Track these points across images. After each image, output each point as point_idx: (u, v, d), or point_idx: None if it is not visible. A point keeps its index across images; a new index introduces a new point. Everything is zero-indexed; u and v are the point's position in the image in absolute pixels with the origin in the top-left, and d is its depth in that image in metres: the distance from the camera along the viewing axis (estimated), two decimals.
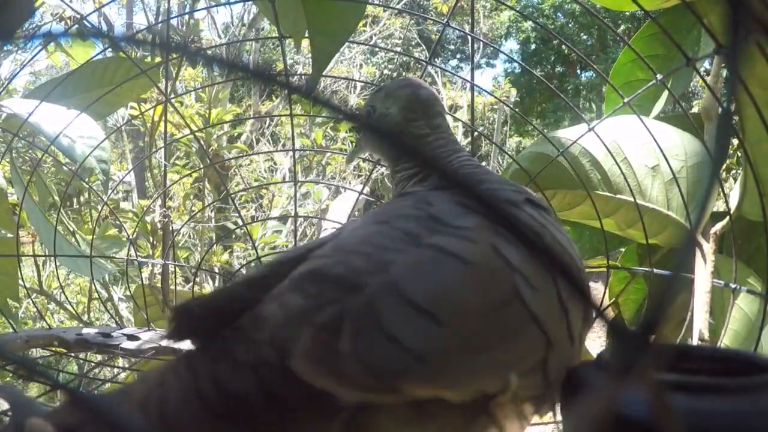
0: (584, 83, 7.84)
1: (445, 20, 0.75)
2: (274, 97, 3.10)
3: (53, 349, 0.77)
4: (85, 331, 0.78)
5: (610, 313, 0.85)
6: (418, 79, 0.54)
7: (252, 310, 0.33)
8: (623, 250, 0.87)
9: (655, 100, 0.82)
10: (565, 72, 8.37)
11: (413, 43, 4.83)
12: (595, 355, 0.35)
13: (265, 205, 2.33)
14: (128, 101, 1.31)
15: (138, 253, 1.17)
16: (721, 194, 0.71)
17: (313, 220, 1.98)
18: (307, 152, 2.30)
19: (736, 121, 0.63)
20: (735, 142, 0.90)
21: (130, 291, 1.19)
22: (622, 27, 5.73)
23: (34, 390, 1.79)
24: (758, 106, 0.52)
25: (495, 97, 3.03)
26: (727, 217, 0.69)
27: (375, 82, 4.89)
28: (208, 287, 1.92)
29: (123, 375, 0.99)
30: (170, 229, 1.41)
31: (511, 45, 8.61)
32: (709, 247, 0.70)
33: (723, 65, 0.73)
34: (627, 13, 4.57)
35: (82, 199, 1.98)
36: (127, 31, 2.21)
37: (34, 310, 1.74)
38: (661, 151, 0.69)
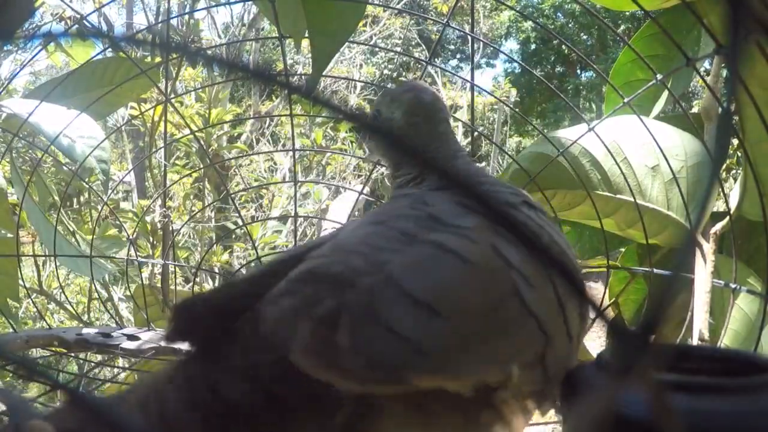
0: (584, 83, 7.84)
1: (445, 20, 0.75)
2: (274, 97, 3.10)
3: (53, 349, 0.77)
4: (85, 331, 0.78)
5: (610, 313, 0.85)
6: (422, 83, 0.53)
7: (251, 311, 0.33)
8: (623, 250, 0.87)
9: (655, 100, 0.82)
10: (565, 72, 8.37)
11: (413, 43, 4.83)
12: (595, 355, 0.35)
13: (265, 205, 2.33)
14: (128, 101, 1.31)
15: (138, 253, 1.17)
16: (721, 194, 0.71)
17: (313, 220, 1.98)
18: (307, 152, 2.30)
19: (736, 121, 0.63)
20: (735, 142, 0.90)
21: (130, 291, 1.18)
22: (622, 27, 5.73)
23: (34, 390, 1.79)
24: (758, 106, 0.52)
25: (495, 97, 3.03)
26: (727, 217, 0.69)
27: (375, 82, 4.90)
28: (208, 287, 1.92)
29: (123, 375, 0.99)
30: (170, 229, 1.41)
31: (511, 45, 8.62)
32: (709, 247, 0.70)
33: (723, 65, 0.73)
34: (627, 13, 4.57)
35: (82, 199, 1.98)
36: (127, 31, 2.21)
37: (34, 310, 1.74)
38: (661, 151, 0.69)
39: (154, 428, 0.29)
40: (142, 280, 1.07)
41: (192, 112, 1.95)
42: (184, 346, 0.34)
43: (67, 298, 1.86)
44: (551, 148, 0.74)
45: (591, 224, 0.83)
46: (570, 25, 7.95)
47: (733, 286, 0.64)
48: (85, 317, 1.17)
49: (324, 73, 0.70)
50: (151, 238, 1.47)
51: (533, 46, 8.46)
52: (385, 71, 5.55)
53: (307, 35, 0.66)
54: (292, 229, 1.90)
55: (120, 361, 0.94)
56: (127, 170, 2.36)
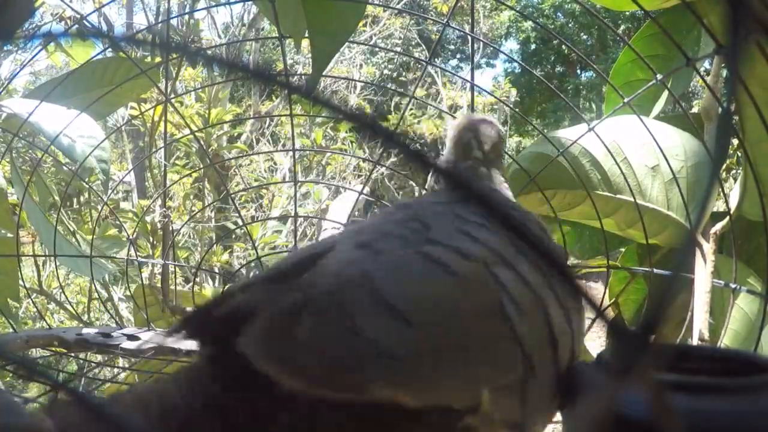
0: (584, 83, 7.85)
1: (445, 20, 0.75)
2: (274, 97, 3.10)
3: (53, 349, 0.77)
4: (85, 331, 0.78)
5: (610, 313, 0.85)
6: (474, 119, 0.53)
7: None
8: (623, 250, 0.87)
9: (655, 100, 0.82)
10: (565, 72, 8.37)
11: (413, 43, 4.83)
12: (595, 355, 0.35)
13: (265, 205, 2.33)
14: (128, 101, 1.31)
15: (138, 253, 1.17)
16: (721, 194, 0.71)
17: (313, 220, 1.98)
18: (307, 152, 2.30)
19: (736, 121, 0.63)
20: (735, 142, 0.90)
21: (130, 291, 1.19)
22: (622, 27, 5.73)
23: (34, 390, 1.79)
24: (758, 106, 0.52)
25: (495, 97, 3.03)
26: (727, 217, 0.69)
27: (375, 82, 4.90)
28: (208, 287, 1.92)
29: (123, 375, 0.99)
30: (170, 229, 1.41)
31: (511, 45, 8.62)
32: (709, 247, 0.70)
33: (723, 65, 0.73)
34: (627, 13, 4.57)
35: (82, 199, 1.98)
36: (127, 31, 2.21)
37: (34, 310, 1.74)
38: (661, 151, 0.69)
39: (154, 428, 0.29)
40: (142, 280, 1.07)
41: (192, 112, 1.95)
42: (185, 345, 0.33)
43: (67, 298, 1.87)
44: (551, 148, 0.74)
45: (591, 224, 0.83)
46: (570, 25, 7.96)
47: (733, 286, 0.64)
48: (85, 317, 1.17)
49: (324, 73, 0.70)
50: (151, 238, 1.46)
51: (533, 46, 8.46)
52: (385, 71, 5.55)
53: (307, 35, 0.66)
54: (292, 229, 1.90)
55: (120, 361, 0.94)
56: (127, 170, 2.37)
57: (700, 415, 0.26)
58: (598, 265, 0.83)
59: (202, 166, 1.94)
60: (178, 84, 2.19)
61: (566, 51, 7.92)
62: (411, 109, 3.39)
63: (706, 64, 0.90)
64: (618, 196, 0.76)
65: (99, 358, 1.01)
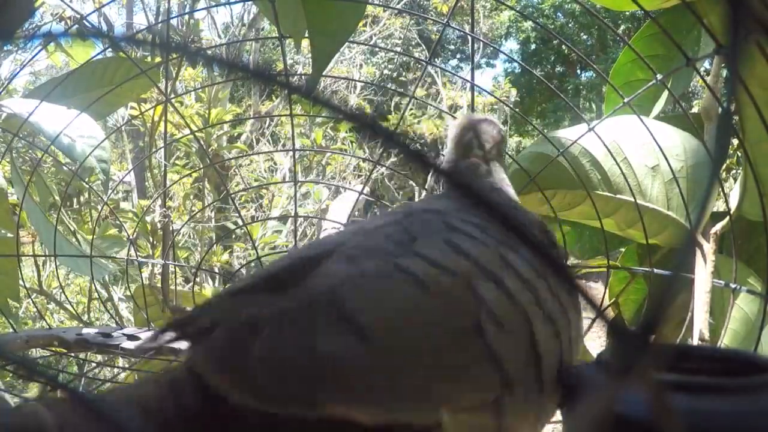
0: (584, 83, 7.85)
1: (445, 20, 0.75)
2: (274, 97, 3.10)
3: (53, 349, 0.77)
4: (85, 331, 0.78)
5: (610, 313, 0.85)
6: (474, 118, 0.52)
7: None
8: (623, 250, 0.87)
9: (655, 100, 0.82)
10: (565, 72, 8.37)
11: (413, 43, 4.83)
12: (595, 355, 0.35)
13: (265, 205, 2.33)
14: (128, 101, 1.31)
15: (138, 253, 1.17)
16: (721, 194, 0.71)
17: (313, 220, 1.98)
18: (307, 152, 2.30)
19: (736, 121, 0.63)
20: (735, 142, 0.90)
21: (130, 291, 1.19)
22: (622, 27, 5.73)
23: (34, 390, 1.79)
24: (758, 106, 0.52)
25: (495, 97, 3.03)
26: (727, 217, 0.69)
27: (375, 82, 4.90)
28: (208, 287, 1.92)
29: (123, 375, 0.99)
30: (170, 229, 1.41)
31: (511, 45, 8.63)
32: (709, 247, 0.70)
33: (723, 65, 0.73)
34: (627, 13, 4.57)
35: (82, 199, 1.98)
36: (127, 31, 2.21)
37: (34, 310, 1.74)
38: (661, 151, 0.69)
39: (154, 428, 0.29)
40: (142, 280, 1.07)
41: (192, 112, 1.95)
42: (185, 346, 0.33)
43: (67, 298, 1.87)
44: (551, 148, 0.74)
45: (591, 224, 0.83)
46: (570, 25, 7.96)
47: (733, 286, 0.64)
48: (85, 317, 1.17)
49: (324, 73, 0.70)
50: (151, 238, 1.46)
51: (533, 46, 8.47)
52: (385, 71, 5.55)
53: (307, 35, 0.66)
54: (292, 229, 1.90)
55: (120, 361, 0.94)
56: (127, 170, 2.37)
57: (700, 415, 0.26)
58: (598, 265, 0.83)
59: (202, 166, 1.94)
60: (178, 84, 2.19)
61: (566, 51, 7.92)
62: (411, 109, 3.40)
63: (706, 64, 0.90)
64: (618, 196, 0.76)
65: (99, 358, 1.01)
